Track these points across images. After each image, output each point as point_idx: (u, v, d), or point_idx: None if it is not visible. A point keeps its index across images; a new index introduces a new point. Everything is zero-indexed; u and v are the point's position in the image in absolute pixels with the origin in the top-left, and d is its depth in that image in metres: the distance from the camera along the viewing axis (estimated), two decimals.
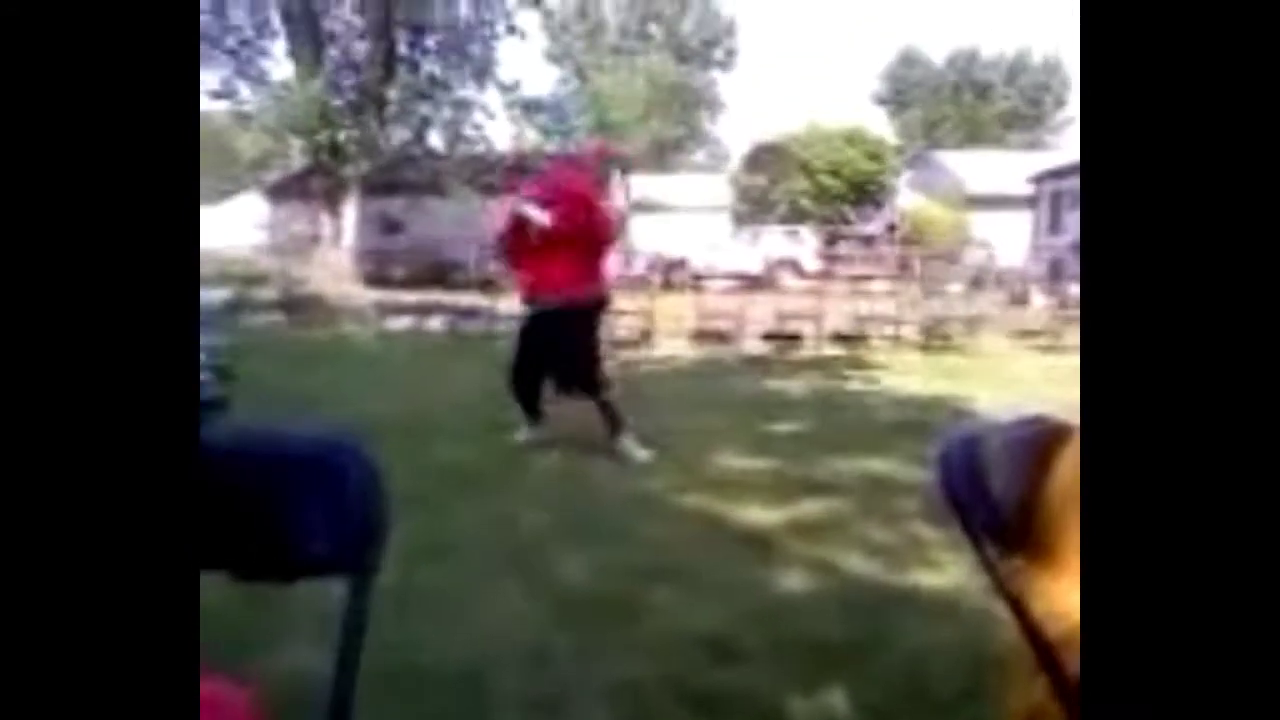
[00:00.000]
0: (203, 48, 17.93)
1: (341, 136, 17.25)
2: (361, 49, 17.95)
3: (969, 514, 1.17)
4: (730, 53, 50.34)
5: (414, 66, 18.75)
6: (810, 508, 3.72)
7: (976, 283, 15.04)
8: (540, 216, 4.37)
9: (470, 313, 11.62)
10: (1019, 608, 1.12)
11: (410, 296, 12.76)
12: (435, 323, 11.31)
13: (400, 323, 11.47)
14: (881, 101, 48.94)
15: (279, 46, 17.56)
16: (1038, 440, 1.15)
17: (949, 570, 2.91)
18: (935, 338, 10.47)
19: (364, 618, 0.91)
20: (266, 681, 0.82)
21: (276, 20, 17.65)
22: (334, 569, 0.94)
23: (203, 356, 5.62)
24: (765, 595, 2.82)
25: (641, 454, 4.42)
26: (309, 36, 17.13)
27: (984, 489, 1.16)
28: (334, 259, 16.64)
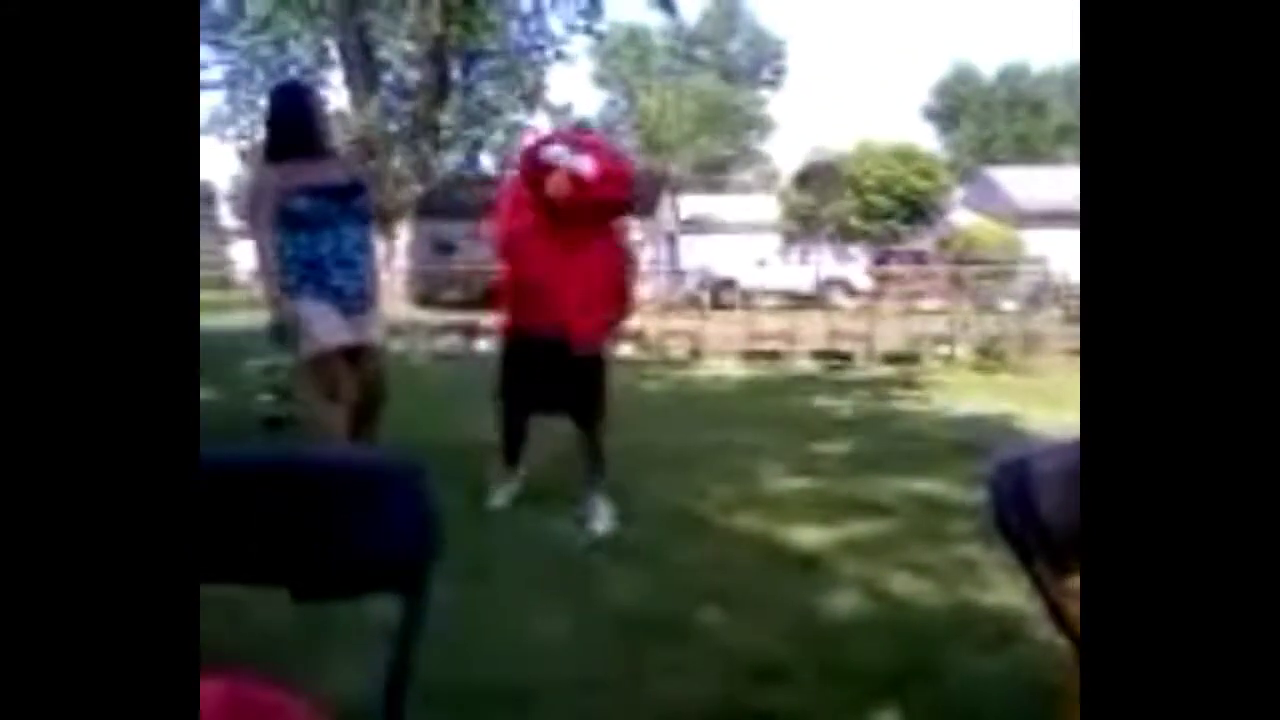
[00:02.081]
0: (263, 78, 18.48)
1: (396, 161, 17.59)
2: (414, 76, 18.33)
3: (1022, 537, 1.16)
4: (778, 72, 50.40)
5: (466, 91, 19.08)
6: (859, 528, 3.68)
7: (1032, 300, 14.76)
8: (579, 163, 3.42)
9: None
10: (1073, 631, 1.10)
11: (460, 317, 12.91)
12: (484, 344, 11.43)
13: (448, 342, 11.61)
14: (933, 117, 48.53)
15: (336, 76, 17.99)
16: None
17: (1002, 592, 2.85)
18: (989, 356, 10.30)
19: (416, 633, 0.93)
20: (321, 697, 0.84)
21: (334, 50, 18.11)
22: (387, 586, 0.96)
23: (265, 377, 5.76)
24: (814, 617, 2.79)
25: (601, 525, 3.57)
26: (364, 65, 17.54)
27: (1036, 512, 1.15)
28: (386, 280, 16.94)
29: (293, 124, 3.63)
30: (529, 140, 3.97)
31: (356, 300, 3.62)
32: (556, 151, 3.48)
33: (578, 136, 3.67)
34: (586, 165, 3.43)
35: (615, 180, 3.58)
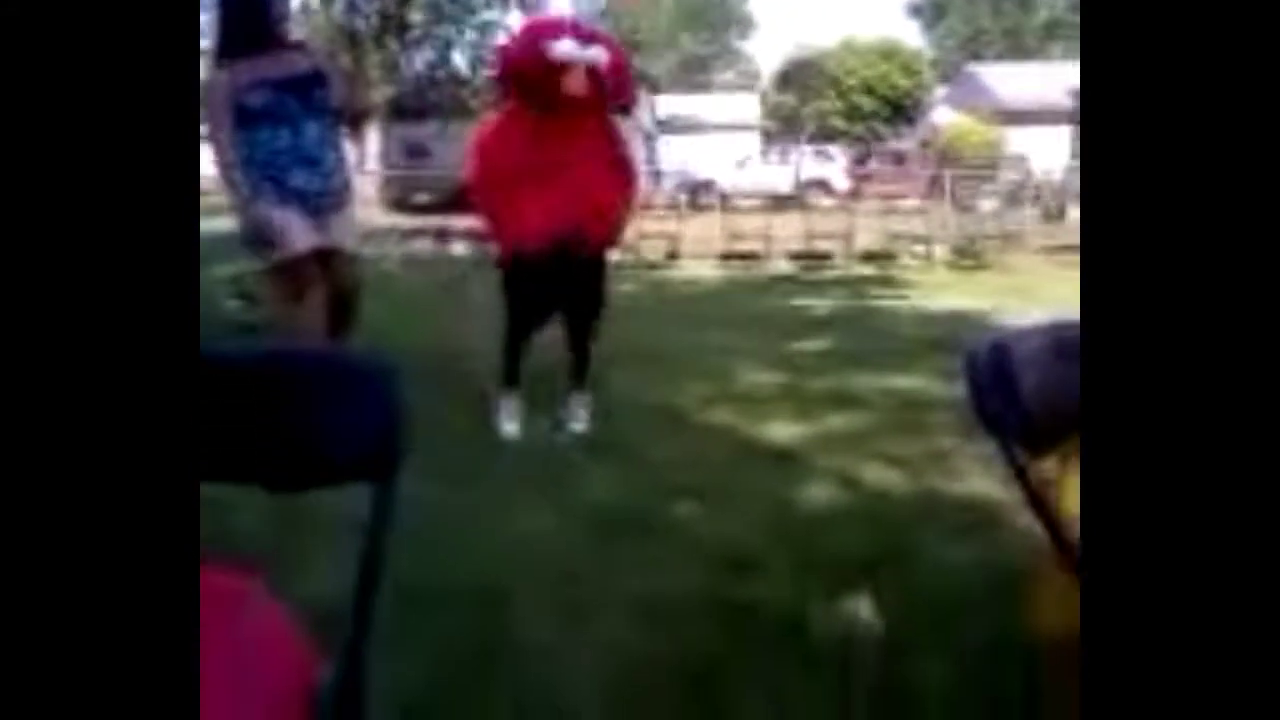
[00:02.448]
0: None
1: (364, 61, 17.03)
2: None
3: (997, 416, 1.14)
4: None
5: None
6: (835, 422, 3.71)
7: (1011, 199, 14.69)
8: (595, 56, 3.25)
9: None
10: (1047, 511, 1.09)
11: (433, 220, 12.73)
12: (459, 247, 11.30)
13: (422, 246, 11.47)
14: (917, 13, 47.37)
15: None
16: (1068, 342, 1.10)
17: (974, 482, 2.89)
18: (966, 255, 10.30)
19: (386, 523, 0.92)
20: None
21: None
22: (357, 476, 0.95)
23: (232, 285, 5.66)
24: (789, 510, 2.81)
25: (580, 424, 3.56)
26: None
27: (1013, 391, 1.13)
28: (357, 184, 16.62)
29: (244, 15, 3.40)
30: (526, 37, 3.47)
31: (323, 199, 3.47)
32: (567, 48, 3.21)
33: (579, 28, 3.36)
34: (602, 58, 3.25)
35: (625, 71, 3.44)
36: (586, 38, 3.32)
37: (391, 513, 0.92)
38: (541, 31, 3.38)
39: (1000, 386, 1.13)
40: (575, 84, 3.22)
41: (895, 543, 2.52)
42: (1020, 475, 1.13)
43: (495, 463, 3.19)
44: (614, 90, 3.37)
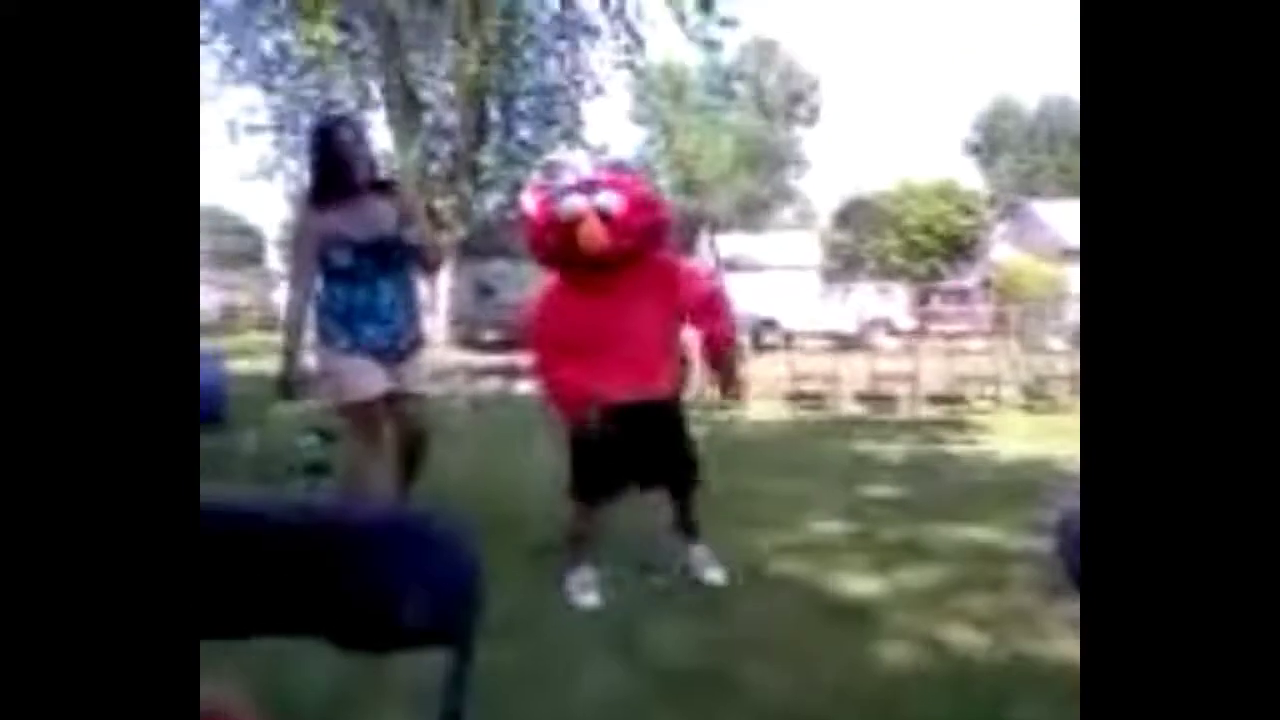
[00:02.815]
0: (307, 120, 18.93)
1: (438, 203, 17.83)
2: (453, 118, 18.61)
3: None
4: (814, 109, 50.61)
5: (506, 131, 19.31)
6: (909, 576, 3.59)
7: (1078, 337, 14.51)
8: (606, 202, 3.03)
9: None
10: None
11: (500, 359, 13.02)
12: (525, 385, 11.49)
13: (489, 384, 11.69)
14: (974, 151, 48.33)
15: (377, 117, 18.30)
16: None
17: (1061, 644, 2.75)
18: (1037, 397, 10.12)
19: (464, 686, 0.91)
20: None
21: (376, 91, 18.45)
22: (432, 640, 0.95)
23: (305, 423, 5.81)
24: (865, 671, 2.70)
25: (715, 574, 3.45)
26: (406, 106, 17.86)
27: None
28: (428, 324, 17.13)
29: (330, 163, 3.57)
30: (534, 201, 3.18)
31: (392, 351, 3.64)
32: (573, 201, 3.04)
33: (590, 176, 3.13)
34: (613, 202, 3.04)
35: (651, 209, 3.20)
36: (597, 184, 3.09)
37: (467, 678, 0.92)
38: (551, 188, 3.15)
39: None
40: (588, 237, 3.02)
41: (982, 713, 2.39)
42: None
43: (563, 616, 3.15)
44: (645, 231, 3.15)
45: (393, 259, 3.63)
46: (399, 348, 3.67)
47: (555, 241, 3.12)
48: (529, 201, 3.21)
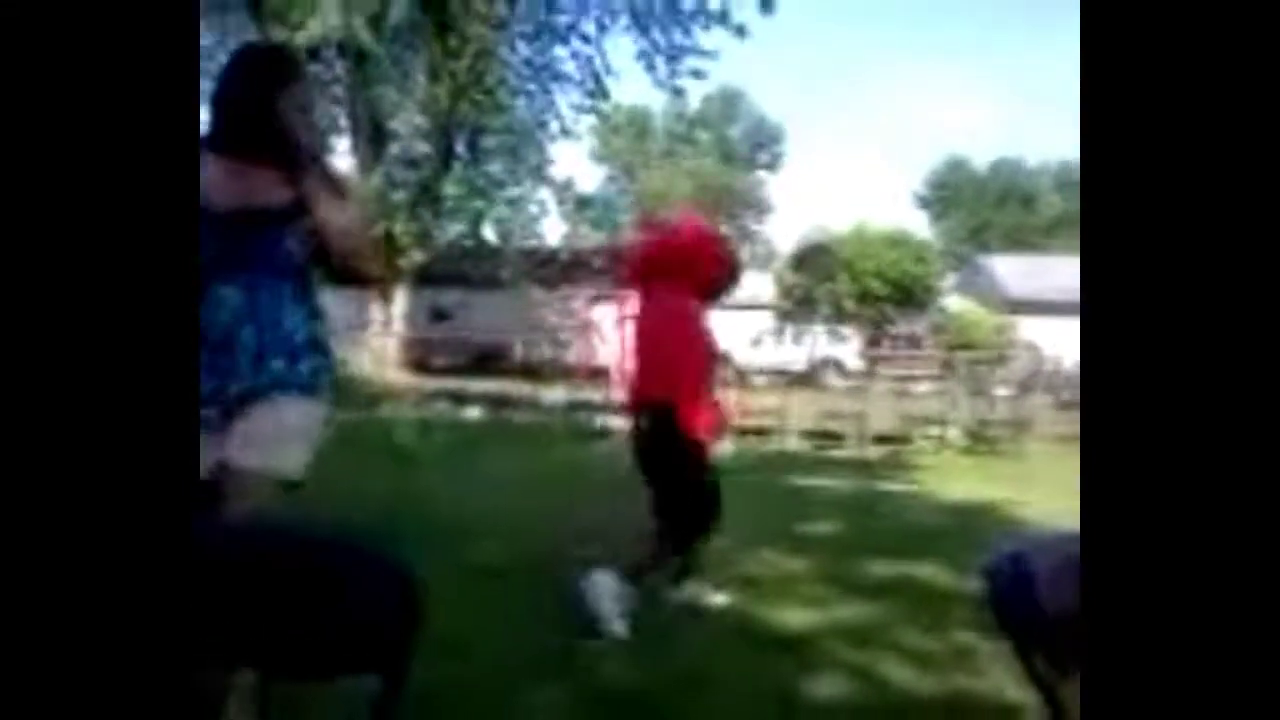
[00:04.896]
0: None
1: (398, 229, 17.77)
2: (421, 149, 18.63)
3: (1020, 629, 1.13)
4: (777, 156, 51.46)
5: (471, 164, 19.38)
6: (845, 612, 3.61)
7: (1024, 386, 14.81)
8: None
9: (507, 401, 11.76)
10: None
11: (451, 383, 12.92)
12: (474, 411, 11.40)
13: (439, 408, 11.59)
14: (925, 205, 49.44)
15: (342, 144, 18.28)
16: None
17: (994, 680, 2.78)
18: (980, 440, 10.29)
19: (392, 713, 0.89)
20: None
21: (343, 119, 18.44)
22: (365, 668, 0.93)
23: None
24: (798, 703, 2.70)
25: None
26: (371, 135, 17.86)
27: (1036, 604, 1.12)
28: (379, 345, 16.97)
29: (234, 91, 2.25)
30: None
31: (216, 401, 2.10)
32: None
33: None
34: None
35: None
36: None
37: (396, 708, 0.90)
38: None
39: (1022, 599, 1.12)
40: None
41: None
42: (1043, 689, 1.11)
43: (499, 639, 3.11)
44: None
45: (259, 249, 2.17)
46: (229, 396, 2.11)
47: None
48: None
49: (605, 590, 3.19)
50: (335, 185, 2.26)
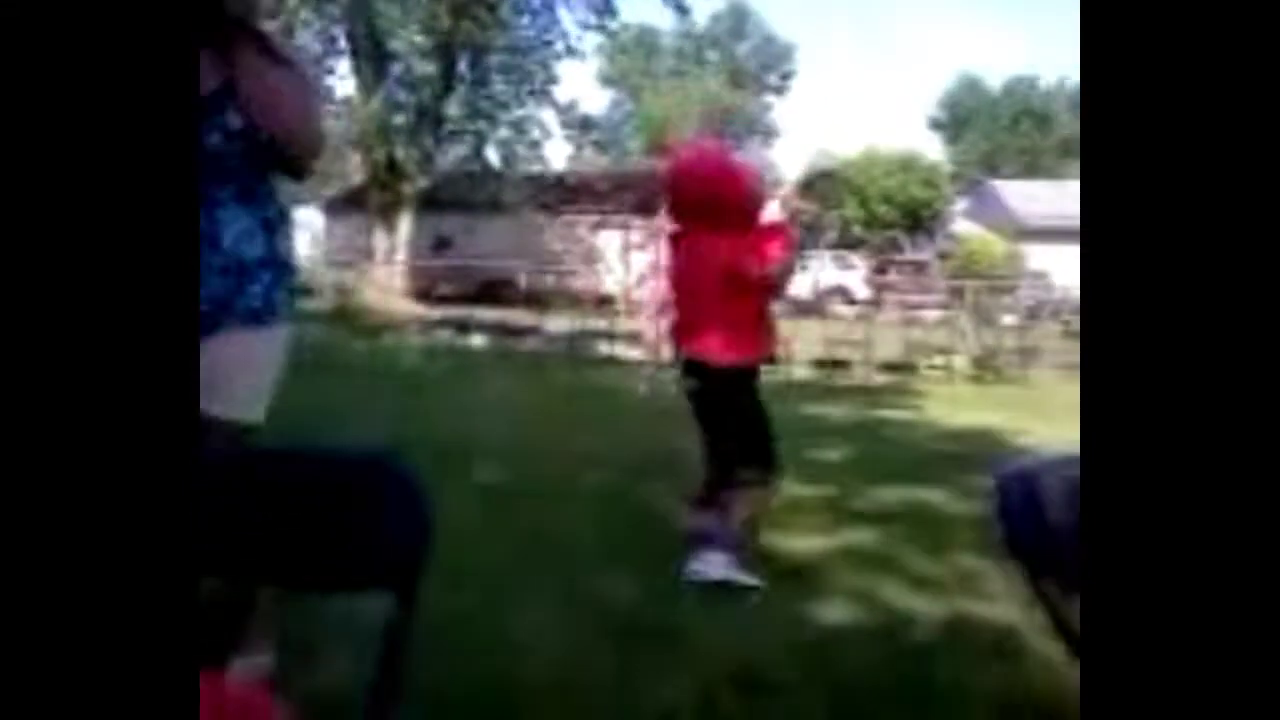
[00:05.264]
0: None
1: (400, 153, 17.54)
2: (423, 69, 18.25)
3: (1028, 549, 1.12)
4: (786, 77, 50.45)
5: (474, 85, 19.01)
6: (852, 537, 3.64)
7: (1031, 314, 14.76)
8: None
9: (512, 330, 11.76)
10: (1078, 645, 1.06)
11: (455, 312, 12.92)
12: (477, 339, 11.42)
13: (441, 336, 11.61)
14: (938, 128, 48.61)
15: (343, 65, 17.94)
16: None
17: (1000, 604, 2.82)
18: (986, 369, 10.29)
19: (406, 632, 0.89)
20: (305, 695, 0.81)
21: (343, 40, 18.05)
22: (377, 584, 0.93)
23: None
24: (805, 626, 2.74)
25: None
26: (373, 55, 17.49)
27: (1043, 525, 1.11)
28: (384, 273, 16.91)
29: None
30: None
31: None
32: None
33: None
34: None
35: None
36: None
37: (410, 624, 0.90)
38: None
39: (1030, 518, 1.11)
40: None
41: (912, 668, 2.44)
42: (1050, 609, 1.11)
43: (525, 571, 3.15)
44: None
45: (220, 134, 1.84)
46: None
47: None
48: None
49: (717, 563, 3.02)
50: (272, 52, 1.81)
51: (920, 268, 24.88)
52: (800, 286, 22.09)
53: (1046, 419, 7.03)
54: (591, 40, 20.09)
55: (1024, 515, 1.10)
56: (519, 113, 19.21)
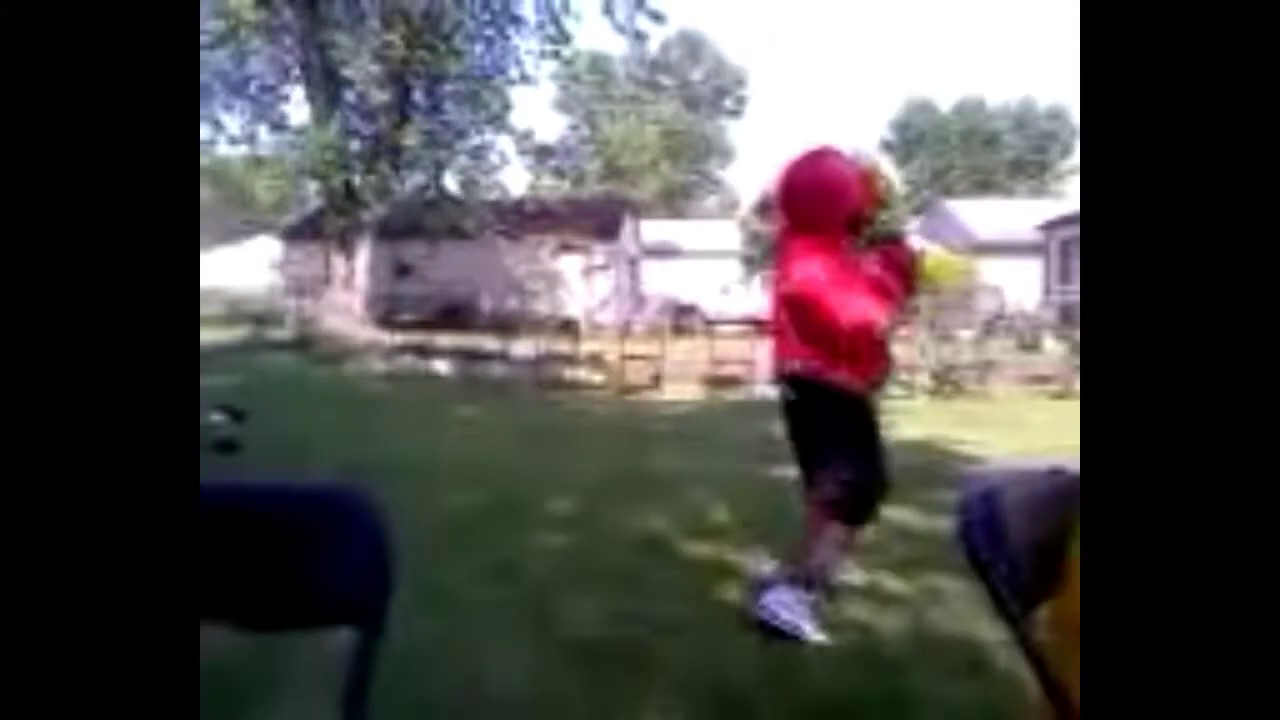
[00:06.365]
0: (223, 94, 18.27)
1: (357, 180, 17.43)
2: (378, 97, 18.17)
3: (990, 567, 1.15)
4: (740, 101, 50.93)
5: (430, 113, 18.97)
6: None
7: (988, 328, 14.99)
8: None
9: (476, 355, 11.70)
10: (1040, 664, 1.09)
11: (417, 338, 12.82)
12: (440, 365, 11.34)
13: (403, 362, 11.51)
14: (889, 149, 49.32)
15: (298, 92, 17.82)
16: (1058, 493, 1.12)
17: (965, 621, 2.85)
18: (946, 383, 10.42)
19: (370, 667, 0.88)
20: None
21: (297, 68, 17.93)
22: (340, 620, 0.92)
23: (212, 398, 5.63)
24: (773, 649, 2.76)
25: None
26: (327, 83, 17.39)
27: (1004, 542, 1.14)
28: (344, 300, 16.74)
29: None
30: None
31: None
32: None
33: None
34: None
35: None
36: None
37: (374, 659, 0.89)
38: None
39: (992, 535, 1.14)
40: None
41: (882, 683, 2.46)
42: (1012, 623, 1.13)
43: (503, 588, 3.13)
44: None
45: None
46: None
47: None
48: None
49: (786, 599, 2.85)
50: None
51: None
52: (763, 306, 22.28)
53: (1006, 431, 7.15)
54: (546, 67, 20.16)
55: (984, 531, 1.13)
56: (476, 140, 19.19)
